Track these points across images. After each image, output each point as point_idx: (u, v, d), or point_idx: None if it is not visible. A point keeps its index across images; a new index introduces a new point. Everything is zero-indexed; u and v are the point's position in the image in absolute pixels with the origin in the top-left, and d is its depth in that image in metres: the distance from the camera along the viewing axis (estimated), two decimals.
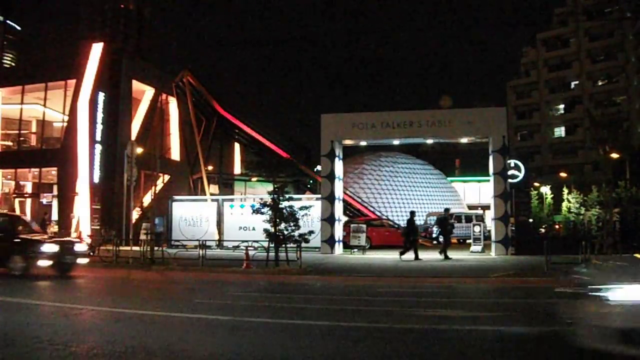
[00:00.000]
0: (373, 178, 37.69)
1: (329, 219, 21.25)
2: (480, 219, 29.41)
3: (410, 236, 18.02)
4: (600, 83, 60.61)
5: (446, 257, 17.61)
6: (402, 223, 32.84)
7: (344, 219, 24.59)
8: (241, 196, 30.81)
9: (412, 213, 19.05)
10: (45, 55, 36.61)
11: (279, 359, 5.22)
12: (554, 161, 60.65)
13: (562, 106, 63.59)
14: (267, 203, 15.53)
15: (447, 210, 21.44)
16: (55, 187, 29.15)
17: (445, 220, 19.46)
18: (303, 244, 15.26)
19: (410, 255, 17.65)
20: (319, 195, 22.38)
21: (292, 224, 15.16)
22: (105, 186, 27.89)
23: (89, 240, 19.45)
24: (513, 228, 20.55)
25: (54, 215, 27.71)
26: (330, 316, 7.58)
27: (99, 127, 27.99)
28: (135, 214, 28.09)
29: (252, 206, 16.42)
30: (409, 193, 38.11)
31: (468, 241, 25.55)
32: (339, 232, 21.77)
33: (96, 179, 27.47)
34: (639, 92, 56.55)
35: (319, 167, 25.12)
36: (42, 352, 5.25)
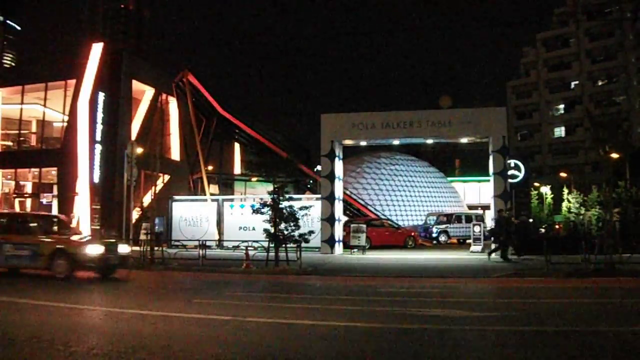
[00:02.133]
0: (373, 178, 37.65)
1: (329, 219, 21.25)
2: (480, 219, 29.43)
3: (500, 236, 17.35)
4: (600, 83, 60.66)
5: (506, 259, 16.64)
6: (402, 223, 32.95)
7: (344, 219, 24.58)
8: (241, 196, 30.81)
9: (501, 211, 18.12)
10: (45, 55, 36.79)
11: (279, 359, 5.22)
12: (554, 161, 60.72)
13: (562, 106, 63.64)
14: (267, 203, 15.52)
15: (501, 210, 18.55)
16: (55, 187, 29.16)
17: (504, 220, 17.71)
18: (303, 244, 15.27)
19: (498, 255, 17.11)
20: (319, 195, 22.38)
21: (292, 224, 15.16)
22: (105, 186, 27.88)
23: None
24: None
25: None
26: (330, 316, 7.58)
27: (99, 127, 27.97)
28: (135, 214, 28.08)
29: (252, 206, 16.40)
30: (409, 193, 38.10)
31: (468, 241, 25.57)
32: (339, 232, 21.76)
33: (96, 179, 27.46)
34: (639, 92, 56.58)
35: (319, 167, 25.11)
36: (42, 352, 5.25)
